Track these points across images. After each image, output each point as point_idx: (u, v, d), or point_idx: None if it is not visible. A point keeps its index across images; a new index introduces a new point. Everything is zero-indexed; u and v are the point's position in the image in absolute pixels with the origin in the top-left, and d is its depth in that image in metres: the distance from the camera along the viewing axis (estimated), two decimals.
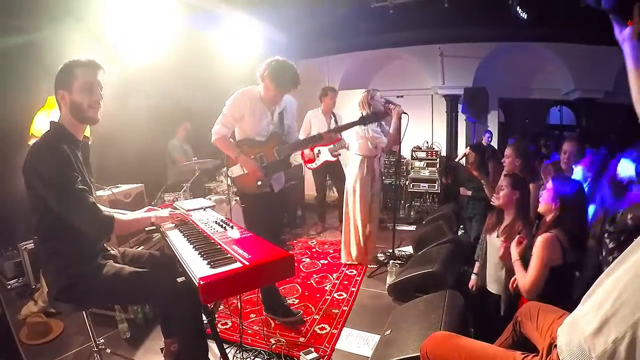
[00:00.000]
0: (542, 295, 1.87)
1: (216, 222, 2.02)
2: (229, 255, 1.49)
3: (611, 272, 1.15)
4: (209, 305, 2.02)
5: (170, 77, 4.08)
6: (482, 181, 3.39)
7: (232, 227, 1.92)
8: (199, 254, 1.55)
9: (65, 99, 1.65)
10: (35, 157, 1.56)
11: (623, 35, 1.23)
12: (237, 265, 1.39)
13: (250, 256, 1.43)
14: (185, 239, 1.79)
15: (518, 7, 3.86)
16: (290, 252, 1.47)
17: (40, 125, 2.65)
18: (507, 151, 3.05)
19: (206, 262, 1.44)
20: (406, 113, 3.49)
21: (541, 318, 1.61)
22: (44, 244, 1.68)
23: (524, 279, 1.96)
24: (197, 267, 1.41)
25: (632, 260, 1.08)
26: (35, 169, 1.55)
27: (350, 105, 4.65)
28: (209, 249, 1.59)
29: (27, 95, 2.81)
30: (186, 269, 1.46)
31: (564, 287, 1.94)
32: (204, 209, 2.35)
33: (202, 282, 1.27)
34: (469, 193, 3.94)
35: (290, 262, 1.44)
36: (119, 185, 3.09)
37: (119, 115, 3.50)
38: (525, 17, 3.87)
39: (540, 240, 1.94)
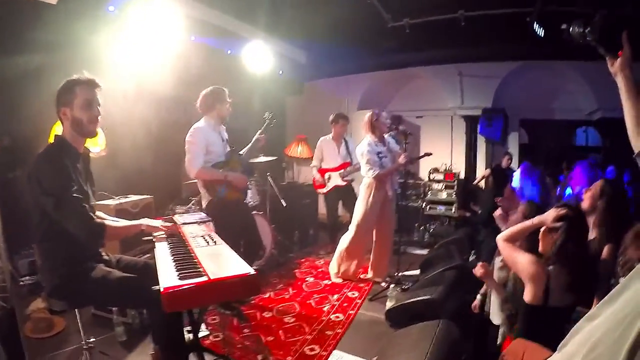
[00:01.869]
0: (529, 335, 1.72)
1: (203, 236, 2.07)
2: (200, 268, 1.53)
3: (589, 319, 1.05)
4: (194, 314, 2.07)
5: (190, 93, 4.24)
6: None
7: (215, 242, 1.95)
8: (175, 265, 1.60)
9: (67, 114, 1.81)
10: (37, 167, 1.71)
11: (615, 67, 1.18)
12: (203, 279, 1.42)
13: (216, 271, 1.46)
14: (169, 250, 1.86)
15: (535, 24, 3.77)
16: (255, 270, 1.47)
17: None
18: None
19: (177, 273, 1.49)
20: (410, 133, 3.59)
21: (526, 358, 1.51)
22: (41, 245, 1.82)
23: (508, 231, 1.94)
24: (167, 277, 1.46)
25: (609, 312, 0.98)
26: (36, 178, 1.69)
27: None
28: (184, 261, 1.64)
29: (48, 107, 2.99)
30: (159, 278, 1.51)
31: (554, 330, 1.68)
32: (198, 223, 2.42)
33: (165, 291, 1.33)
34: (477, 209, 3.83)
35: (252, 280, 1.44)
36: (129, 195, 3.23)
37: (136, 128, 3.70)
38: (543, 35, 3.77)
39: (533, 268, 1.78)
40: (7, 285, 2.82)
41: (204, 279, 1.41)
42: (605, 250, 2.03)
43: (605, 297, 1.02)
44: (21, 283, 3.27)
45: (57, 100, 1.81)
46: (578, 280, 1.72)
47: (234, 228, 2.87)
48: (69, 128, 1.83)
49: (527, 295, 1.75)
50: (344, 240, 3.79)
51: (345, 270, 3.81)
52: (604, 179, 2.30)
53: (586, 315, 1.07)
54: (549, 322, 1.69)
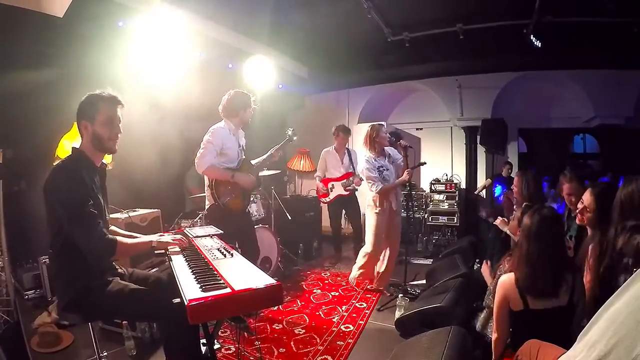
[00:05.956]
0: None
1: (219, 249, 2.10)
2: (222, 281, 1.55)
3: (607, 308, 1.09)
4: (209, 328, 2.07)
5: (193, 108, 4.29)
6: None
7: (232, 254, 1.98)
8: (195, 277, 1.61)
9: (87, 129, 1.82)
10: (54, 178, 1.72)
11: None
12: (227, 290, 1.44)
13: (239, 283, 1.48)
14: (186, 263, 1.87)
15: (532, 36, 3.89)
16: (277, 281, 1.49)
17: (65, 148, 2.87)
18: (515, 179, 3.08)
19: (199, 285, 1.51)
20: (411, 147, 3.62)
21: (540, 357, 1.54)
22: (58, 258, 1.81)
23: None
24: (189, 289, 1.47)
25: (629, 296, 1.02)
26: (53, 189, 1.70)
27: None
28: (204, 274, 1.65)
29: (55, 120, 3.00)
30: (180, 290, 1.52)
31: (548, 332, 1.73)
32: (211, 237, 2.44)
33: (190, 304, 1.33)
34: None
35: (277, 290, 1.46)
36: (137, 209, 3.24)
37: (144, 143, 3.73)
38: (539, 45, 3.90)
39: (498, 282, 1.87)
40: (11, 299, 2.82)
41: (228, 290, 1.43)
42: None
43: (624, 283, 1.06)
44: (26, 297, 3.26)
45: (78, 112, 1.82)
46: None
47: (231, 233, 2.79)
48: (88, 142, 1.84)
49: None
50: (363, 254, 3.81)
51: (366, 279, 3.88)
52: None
53: (605, 303, 1.10)
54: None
